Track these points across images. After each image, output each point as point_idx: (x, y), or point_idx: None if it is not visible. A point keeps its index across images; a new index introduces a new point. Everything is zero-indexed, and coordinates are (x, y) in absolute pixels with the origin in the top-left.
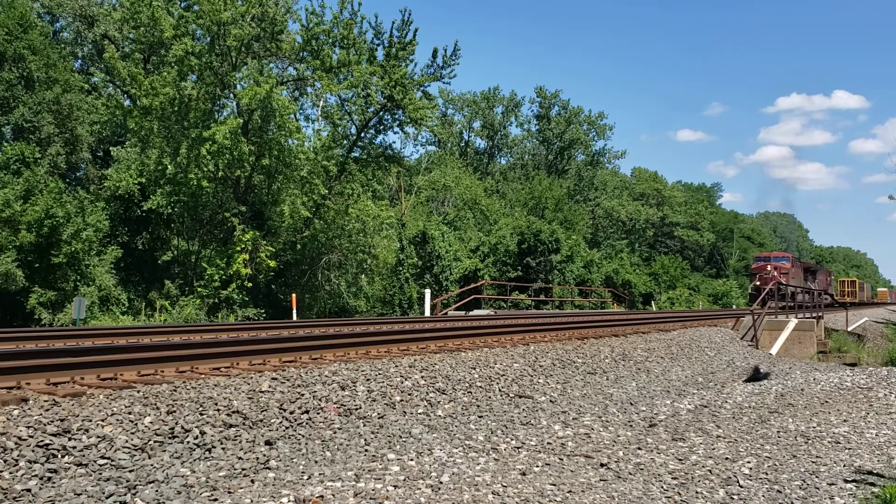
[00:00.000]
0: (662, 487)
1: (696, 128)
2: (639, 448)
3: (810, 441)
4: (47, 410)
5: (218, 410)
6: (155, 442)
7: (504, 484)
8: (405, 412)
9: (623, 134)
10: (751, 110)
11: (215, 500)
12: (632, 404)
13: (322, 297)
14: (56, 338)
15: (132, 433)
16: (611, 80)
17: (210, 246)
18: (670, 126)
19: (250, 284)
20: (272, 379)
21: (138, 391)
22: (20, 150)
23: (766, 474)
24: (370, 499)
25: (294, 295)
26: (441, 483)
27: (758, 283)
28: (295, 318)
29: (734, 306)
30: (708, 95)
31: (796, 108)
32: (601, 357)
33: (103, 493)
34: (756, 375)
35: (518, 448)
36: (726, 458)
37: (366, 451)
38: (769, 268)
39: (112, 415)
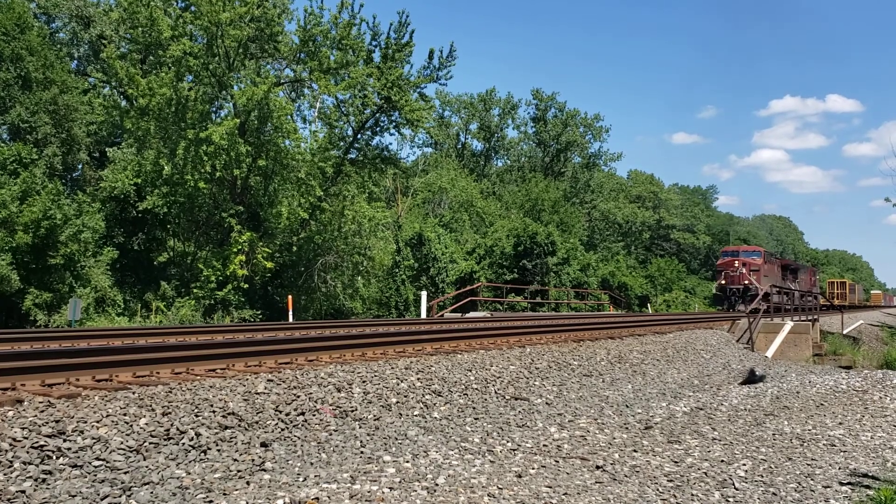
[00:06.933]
0: (658, 490)
1: (691, 131)
2: (634, 450)
3: (806, 443)
4: (42, 412)
5: (213, 412)
6: (150, 443)
7: (500, 486)
8: (401, 414)
9: (619, 136)
10: (745, 113)
11: (210, 501)
12: (627, 406)
13: (318, 298)
14: (51, 339)
15: (127, 435)
16: (606, 82)
17: (206, 247)
18: (665, 129)
19: (247, 286)
20: (268, 381)
21: (134, 392)
22: (17, 151)
23: (762, 477)
24: (366, 501)
25: (290, 296)
26: (437, 485)
27: (723, 282)
28: (291, 319)
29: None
30: (702, 98)
31: (790, 111)
32: (597, 359)
33: (98, 494)
34: (752, 378)
35: (514, 450)
36: (722, 461)
37: (361, 452)
38: (737, 264)
39: (107, 416)
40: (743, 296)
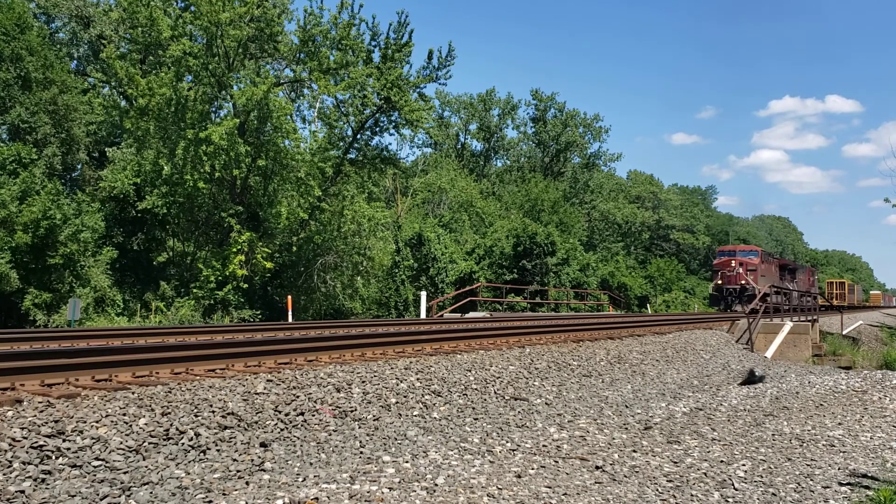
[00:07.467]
0: (657, 490)
1: (691, 131)
2: (634, 451)
3: (805, 444)
4: (42, 412)
5: (213, 412)
6: (150, 443)
7: (499, 486)
8: (400, 414)
9: (618, 136)
10: (744, 113)
11: (210, 501)
12: (627, 407)
13: (318, 298)
14: (51, 339)
15: (127, 435)
16: (606, 82)
17: (206, 247)
18: (665, 129)
19: (246, 286)
20: (267, 381)
21: (133, 393)
22: (17, 151)
23: (761, 477)
24: (365, 501)
25: (290, 297)
26: (436, 485)
27: (720, 282)
28: (290, 319)
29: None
30: (701, 98)
31: (789, 112)
32: (597, 360)
33: (97, 494)
34: (751, 378)
35: (513, 450)
36: (721, 461)
37: (361, 453)
38: (734, 264)
39: (107, 416)
40: (740, 296)
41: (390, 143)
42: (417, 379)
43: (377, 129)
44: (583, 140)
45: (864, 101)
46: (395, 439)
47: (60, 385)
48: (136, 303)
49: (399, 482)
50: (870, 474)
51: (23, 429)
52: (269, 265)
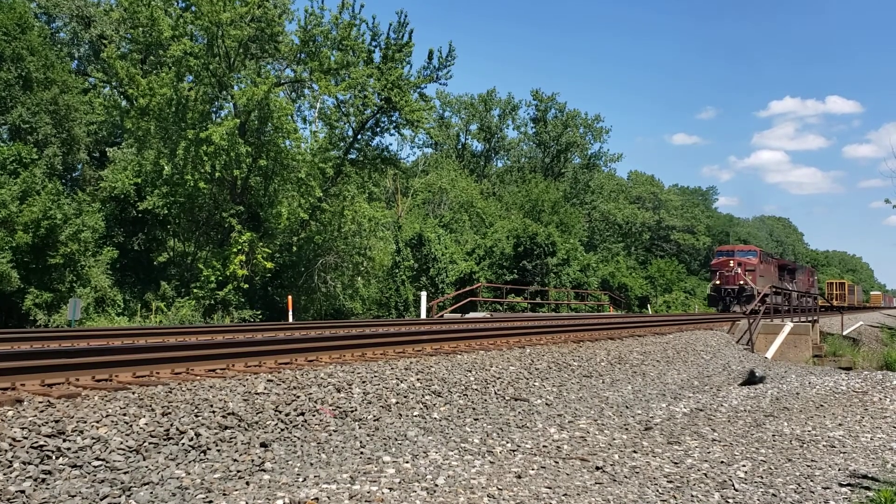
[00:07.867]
0: (658, 491)
1: (691, 132)
2: (634, 451)
3: (805, 445)
4: (42, 412)
5: (213, 412)
6: (150, 444)
7: (499, 487)
8: (401, 414)
9: (618, 137)
10: (744, 114)
11: (210, 501)
12: (627, 407)
13: (318, 299)
14: (51, 339)
15: (127, 435)
16: (606, 82)
17: (206, 247)
18: (665, 129)
19: (247, 286)
20: (268, 381)
21: (133, 393)
22: (17, 151)
23: (762, 478)
24: (365, 501)
25: (290, 297)
26: (436, 486)
27: (718, 282)
28: (291, 319)
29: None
30: (701, 99)
31: (790, 112)
32: (597, 360)
33: (98, 494)
34: (751, 379)
35: (514, 451)
36: (722, 462)
37: (361, 453)
38: (732, 264)
39: (107, 416)
40: (738, 296)
41: (391, 144)
42: (418, 379)
43: (378, 129)
44: (583, 140)
45: (865, 102)
46: (396, 439)
47: (61, 385)
48: (137, 303)
49: (399, 482)
50: (870, 475)
51: (23, 429)
52: (269, 265)
